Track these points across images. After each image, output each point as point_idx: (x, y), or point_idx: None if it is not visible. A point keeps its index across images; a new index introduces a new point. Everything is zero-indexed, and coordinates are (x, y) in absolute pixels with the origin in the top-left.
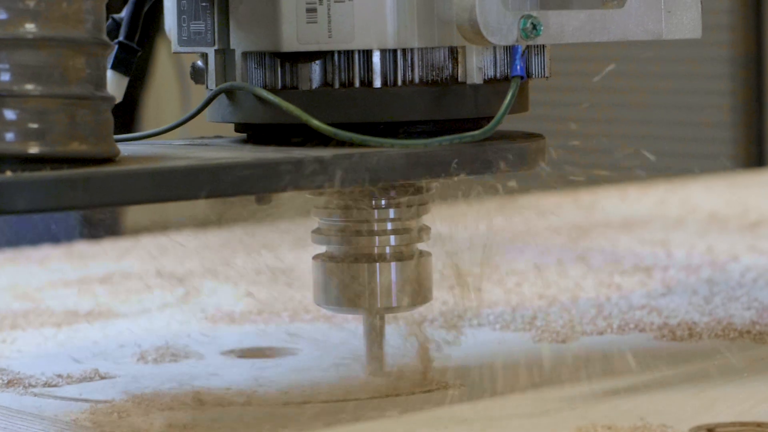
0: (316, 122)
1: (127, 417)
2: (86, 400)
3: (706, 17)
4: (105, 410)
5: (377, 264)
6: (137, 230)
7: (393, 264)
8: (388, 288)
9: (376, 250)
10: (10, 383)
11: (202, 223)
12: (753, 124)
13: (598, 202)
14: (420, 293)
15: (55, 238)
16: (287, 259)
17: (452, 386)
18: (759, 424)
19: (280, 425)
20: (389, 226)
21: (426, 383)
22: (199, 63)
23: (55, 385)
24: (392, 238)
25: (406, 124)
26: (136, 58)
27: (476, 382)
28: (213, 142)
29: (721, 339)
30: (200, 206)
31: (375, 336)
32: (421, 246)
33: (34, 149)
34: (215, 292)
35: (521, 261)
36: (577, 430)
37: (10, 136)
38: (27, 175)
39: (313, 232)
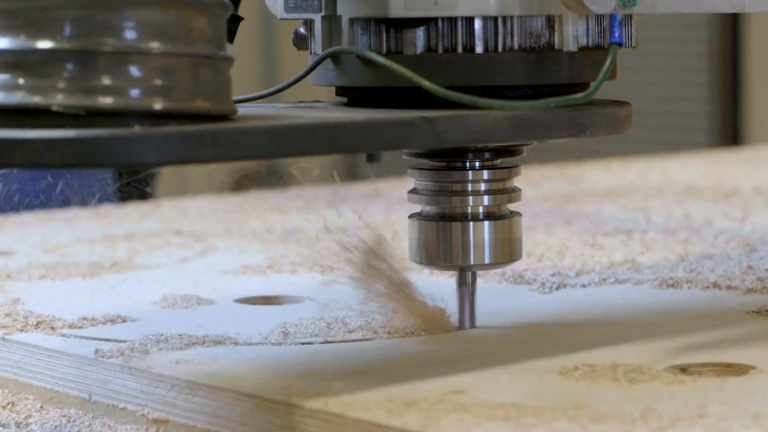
0: (427, 83)
1: (146, 354)
2: (108, 340)
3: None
4: (125, 348)
5: (471, 223)
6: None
7: (486, 223)
8: (481, 246)
9: (470, 210)
10: (38, 324)
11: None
12: (730, 106)
13: (583, 174)
14: (511, 251)
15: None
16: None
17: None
18: (728, 365)
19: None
20: (483, 186)
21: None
22: (302, 30)
23: (80, 327)
24: (485, 198)
25: (506, 88)
26: (238, 25)
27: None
28: (316, 105)
29: (694, 290)
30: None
31: (467, 291)
32: (511, 206)
33: (158, 105)
34: (230, 249)
35: None
36: (561, 368)
37: (135, 92)
38: (157, 129)
39: (410, 192)
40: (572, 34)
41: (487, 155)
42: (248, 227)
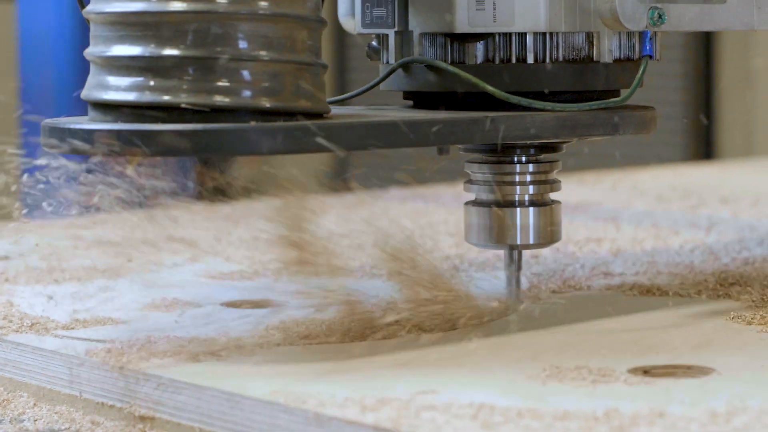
0: (491, 88)
1: (130, 353)
2: (99, 341)
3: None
4: (113, 348)
5: (518, 209)
6: None
7: (531, 209)
8: (527, 228)
9: (517, 198)
10: (32, 326)
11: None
12: (701, 122)
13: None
14: (552, 234)
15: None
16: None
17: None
18: (689, 367)
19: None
20: (528, 178)
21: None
22: (374, 43)
23: (72, 328)
24: (531, 187)
25: (552, 93)
26: None
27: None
28: (389, 108)
29: (656, 296)
30: None
31: (514, 269)
32: (552, 195)
33: (267, 104)
34: (218, 254)
35: None
36: (528, 374)
37: (247, 93)
38: (269, 124)
39: (466, 182)
40: (608, 48)
41: (532, 151)
42: (236, 235)
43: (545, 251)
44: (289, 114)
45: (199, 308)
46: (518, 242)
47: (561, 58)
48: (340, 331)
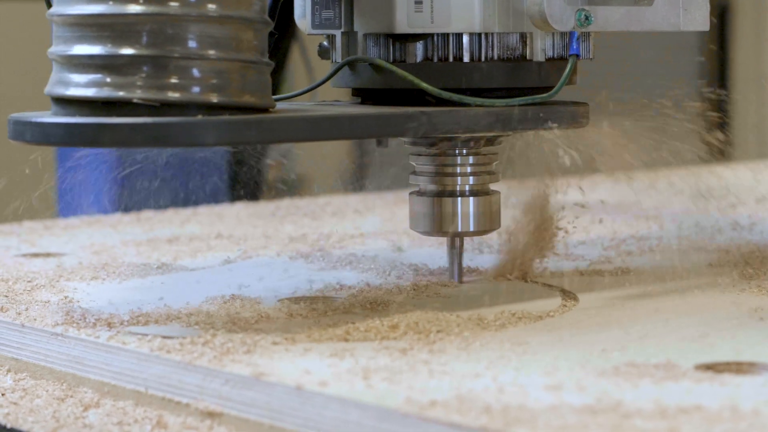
0: (425, 85)
1: (197, 349)
2: (165, 336)
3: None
4: (181, 343)
5: (459, 198)
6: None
7: (471, 198)
8: (467, 217)
9: (458, 188)
10: (96, 322)
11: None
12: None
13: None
14: (491, 222)
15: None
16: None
17: None
18: (752, 364)
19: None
20: (469, 169)
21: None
22: (325, 43)
23: (134, 324)
24: (471, 178)
25: (487, 90)
26: (274, 39)
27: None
28: (336, 103)
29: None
30: None
31: (456, 254)
32: (491, 186)
33: (215, 99)
34: (269, 252)
35: None
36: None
37: (196, 89)
38: (214, 118)
39: (411, 173)
40: (540, 48)
41: (472, 144)
42: (285, 232)
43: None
44: (235, 108)
45: (259, 304)
46: (459, 230)
47: (496, 57)
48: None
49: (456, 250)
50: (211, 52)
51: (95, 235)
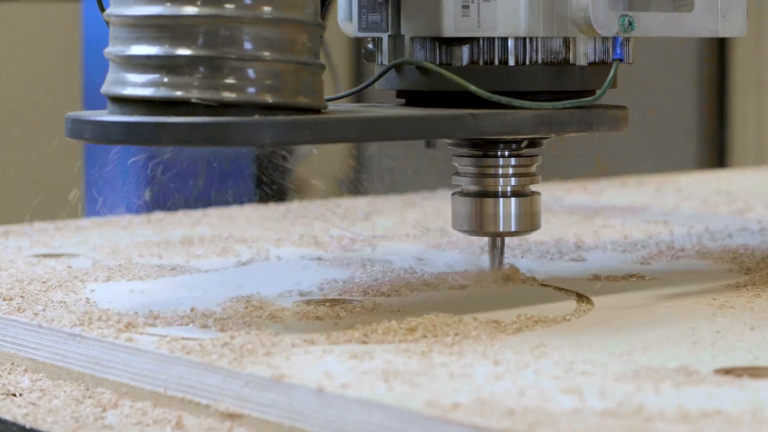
0: (474, 87)
1: (217, 350)
2: (186, 338)
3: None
4: (202, 344)
5: (501, 199)
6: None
7: (512, 199)
8: (509, 217)
9: (500, 188)
10: (114, 323)
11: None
12: (715, 131)
13: (603, 189)
14: (532, 222)
15: (139, 207)
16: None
17: None
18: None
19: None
20: (511, 170)
21: None
22: (370, 46)
23: (152, 325)
24: (513, 179)
25: (531, 93)
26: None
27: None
28: (383, 105)
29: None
30: None
31: (497, 253)
32: (533, 187)
33: (270, 99)
34: (283, 253)
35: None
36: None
37: (252, 89)
38: (270, 118)
39: (453, 174)
40: (583, 52)
41: (514, 146)
42: (296, 233)
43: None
44: (290, 109)
45: (275, 305)
46: (501, 230)
47: (540, 61)
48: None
49: (497, 250)
50: (266, 53)
51: (106, 236)
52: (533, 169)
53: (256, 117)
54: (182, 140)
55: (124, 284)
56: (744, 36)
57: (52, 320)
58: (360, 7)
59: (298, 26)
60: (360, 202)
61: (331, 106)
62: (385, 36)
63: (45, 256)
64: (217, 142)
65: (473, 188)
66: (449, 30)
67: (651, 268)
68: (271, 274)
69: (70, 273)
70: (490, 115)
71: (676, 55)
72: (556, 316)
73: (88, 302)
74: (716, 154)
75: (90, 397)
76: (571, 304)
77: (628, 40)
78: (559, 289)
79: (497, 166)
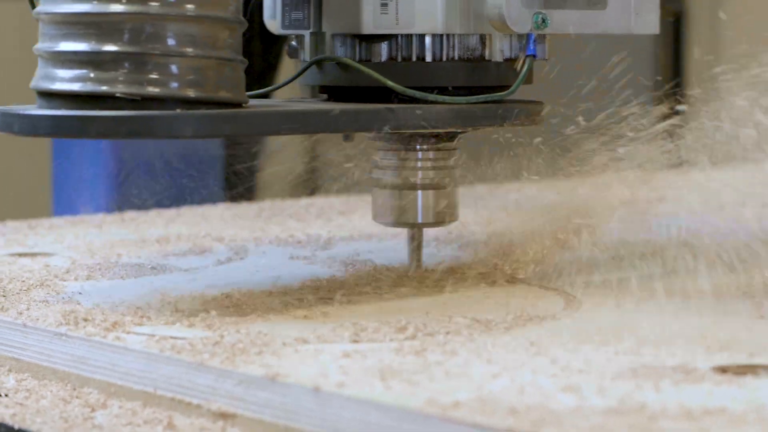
0: (390, 83)
1: (208, 349)
2: (174, 337)
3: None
4: (192, 343)
5: (419, 191)
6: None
7: (431, 191)
8: (427, 209)
9: (419, 181)
10: (99, 322)
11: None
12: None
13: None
14: (450, 214)
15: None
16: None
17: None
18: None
19: None
20: (429, 163)
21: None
22: (294, 43)
23: (140, 324)
24: (431, 172)
25: (448, 88)
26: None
27: None
28: (304, 100)
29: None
30: None
31: (415, 245)
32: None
33: (192, 94)
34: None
35: None
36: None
37: (174, 84)
38: (192, 111)
39: (374, 166)
40: (499, 48)
41: (433, 140)
42: (273, 233)
43: None
44: (211, 103)
45: (260, 304)
46: (419, 221)
47: (457, 57)
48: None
49: (416, 242)
50: (189, 49)
51: (81, 235)
52: (451, 162)
53: (178, 111)
54: (107, 133)
55: (106, 283)
56: (657, 33)
57: (37, 319)
58: (283, 5)
59: (220, 23)
60: (335, 201)
61: (253, 101)
62: (307, 33)
63: (21, 254)
64: (140, 135)
65: (392, 180)
66: (368, 27)
67: (636, 266)
68: (252, 272)
69: (49, 272)
70: (407, 110)
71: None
72: (545, 315)
73: (72, 301)
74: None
75: (77, 397)
76: (559, 303)
77: (543, 36)
78: (548, 288)
79: (416, 159)
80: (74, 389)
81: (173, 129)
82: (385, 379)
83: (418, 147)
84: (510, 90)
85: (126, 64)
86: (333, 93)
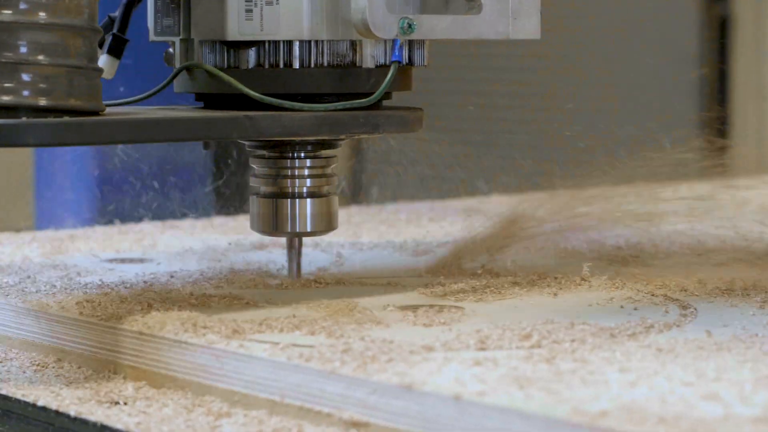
0: (246, 89)
1: (337, 357)
2: (298, 345)
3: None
4: (320, 351)
5: (297, 200)
6: None
7: (308, 200)
8: (304, 218)
9: (296, 190)
10: (219, 331)
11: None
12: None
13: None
14: (328, 223)
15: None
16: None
17: None
18: None
19: None
20: (306, 171)
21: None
22: (170, 50)
23: (260, 332)
24: (308, 180)
25: (317, 95)
26: (125, 45)
27: None
28: (178, 108)
29: None
30: None
31: (294, 253)
32: (329, 188)
33: (43, 102)
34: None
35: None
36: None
37: (25, 92)
38: (36, 120)
39: (252, 175)
40: (370, 54)
41: (309, 148)
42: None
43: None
44: (63, 111)
45: (374, 310)
46: (297, 230)
47: (326, 64)
48: None
49: (295, 250)
50: (40, 57)
51: (176, 239)
52: (329, 170)
53: (23, 119)
54: None
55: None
56: (538, 38)
57: (152, 327)
58: (155, 11)
59: (72, 31)
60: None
61: (111, 110)
62: (177, 40)
63: (121, 260)
64: None
65: (269, 189)
66: (233, 33)
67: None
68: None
69: (155, 278)
70: (267, 117)
71: (676, 60)
72: (666, 322)
73: (184, 309)
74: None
75: (199, 406)
76: (674, 309)
77: (414, 42)
78: (669, 297)
79: (293, 168)
80: (196, 398)
81: (16, 137)
82: (523, 387)
83: (294, 155)
84: (374, 96)
85: None
86: (207, 101)
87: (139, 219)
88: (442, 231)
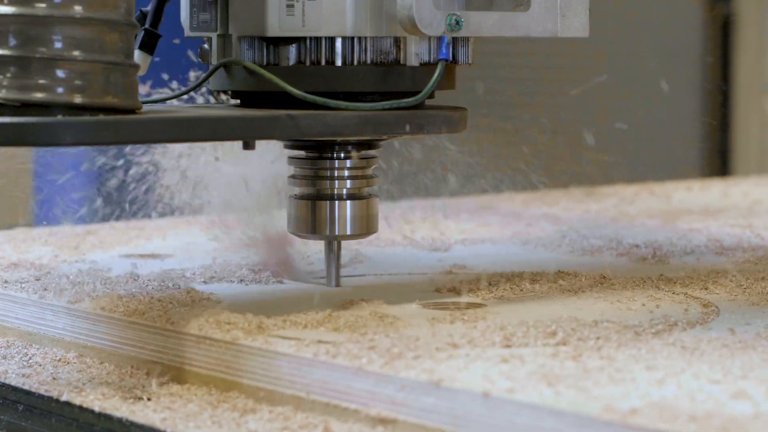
0: (289, 87)
1: (363, 353)
2: (323, 341)
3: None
4: (347, 348)
5: (336, 202)
6: None
7: (348, 202)
8: (344, 220)
9: (336, 191)
10: (243, 327)
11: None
12: (717, 139)
13: (671, 192)
14: (368, 226)
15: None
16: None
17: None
18: None
19: None
20: (346, 173)
21: None
22: (206, 46)
23: (283, 328)
24: (348, 182)
25: (360, 94)
26: (158, 41)
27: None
28: (215, 106)
29: None
30: None
31: (333, 257)
32: (370, 189)
33: (78, 99)
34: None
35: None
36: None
37: (60, 89)
38: (71, 118)
39: (289, 176)
40: (414, 52)
41: (350, 148)
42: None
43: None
44: (98, 109)
45: (389, 307)
46: (336, 233)
47: (369, 61)
48: None
49: (334, 254)
50: (76, 53)
51: (188, 236)
52: (370, 171)
53: (59, 117)
54: None
55: (234, 289)
56: (586, 36)
57: (177, 323)
58: (191, 6)
59: (108, 26)
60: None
61: (148, 107)
62: (214, 35)
63: (140, 256)
64: (19, 142)
65: (308, 191)
66: (273, 29)
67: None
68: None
69: (169, 275)
70: (310, 116)
71: (677, 60)
72: (690, 320)
73: (209, 302)
74: (719, 161)
75: (224, 402)
76: (696, 307)
77: (465, 39)
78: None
79: (332, 168)
80: (221, 393)
81: (52, 136)
82: (552, 384)
83: (334, 155)
84: (420, 96)
85: (10, 68)
86: (244, 98)
87: (157, 215)
88: (458, 228)
